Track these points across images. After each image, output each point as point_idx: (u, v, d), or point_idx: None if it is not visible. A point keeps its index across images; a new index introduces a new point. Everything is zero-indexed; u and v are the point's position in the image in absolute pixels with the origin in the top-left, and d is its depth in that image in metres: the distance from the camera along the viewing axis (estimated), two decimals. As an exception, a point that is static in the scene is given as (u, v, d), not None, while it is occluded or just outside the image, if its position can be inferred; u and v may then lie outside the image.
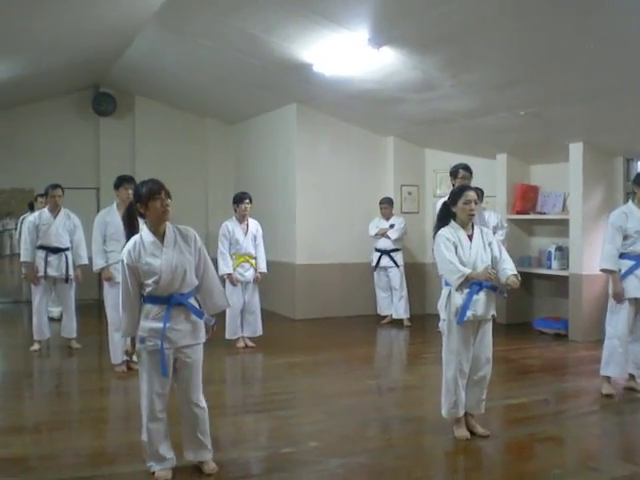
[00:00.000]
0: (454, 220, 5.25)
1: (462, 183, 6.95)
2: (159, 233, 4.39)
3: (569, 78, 7.34)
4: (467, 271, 5.07)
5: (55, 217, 8.59)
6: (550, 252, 9.89)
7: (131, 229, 4.47)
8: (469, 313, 5.08)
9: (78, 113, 13.08)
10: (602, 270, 6.47)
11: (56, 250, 8.56)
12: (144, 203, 4.33)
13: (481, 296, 5.11)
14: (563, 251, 9.75)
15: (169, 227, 4.43)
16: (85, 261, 8.67)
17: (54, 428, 5.55)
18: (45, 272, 8.52)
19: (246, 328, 8.86)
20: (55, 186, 8.61)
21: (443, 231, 5.22)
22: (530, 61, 7.17)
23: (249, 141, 13.07)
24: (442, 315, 5.28)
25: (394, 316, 10.71)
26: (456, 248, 5.14)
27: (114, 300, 6.54)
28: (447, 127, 10.10)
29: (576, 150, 9.20)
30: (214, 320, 4.58)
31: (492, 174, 10.49)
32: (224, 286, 8.35)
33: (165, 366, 4.33)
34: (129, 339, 4.53)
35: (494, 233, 7.17)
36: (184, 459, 4.55)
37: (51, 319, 9.51)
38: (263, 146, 12.44)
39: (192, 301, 4.47)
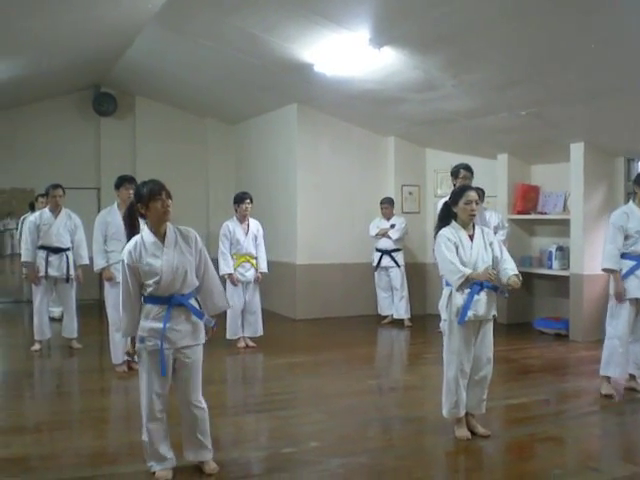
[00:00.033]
0: (455, 220, 5.25)
1: (463, 183, 6.94)
2: (160, 234, 4.39)
3: (570, 78, 7.33)
4: (467, 271, 5.07)
5: (56, 217, 8.59)
6: (551, 252, 9.89)
7: (132, 229, 4.47)
8: (470, 313, 5.08)
9: (79, 113, 13.09)
10: (604, 270, 6.47)
11: (57, 250, 8.56)
12: (145, 204, 4.33)
13: (482, 296, 5.11)
14: (564, 251, 9.75)
15: (170, 228, 4.43)
16: (86, 261, 8.67)
17: (55, 428, 5.55)
18: (46, 272, 8.52)
19: (247, 328, 8.87)
20: (56, 186, 8.61)
21: (444, 231, 5.22)
22: (531, 61, 7.17)
23: (250, 141, 13.07)
24: (443, 315, 5.28)
25: (395, 316, 10.71)
26: (457, 248, 5.14)
27: (115, 300, 6.54)
28: (448, 127, 10.10)
29: (577, 150, 9.20)
30: (214, 321, 4.58)
31: (493, 174, 10.49)
32: (225, 286, 8.36)
33: (164, 366, 4.33)
34: (129, 339, 4.53)
35: (495, 233, 7.16)
36: (184, 459, 4.55)
37: (52, 319, 9.52)
38: (264, 146, 12.44)
39: (193, 302, 4.47)
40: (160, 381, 4.36)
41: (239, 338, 8.83)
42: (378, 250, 10.69)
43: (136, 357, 4.56)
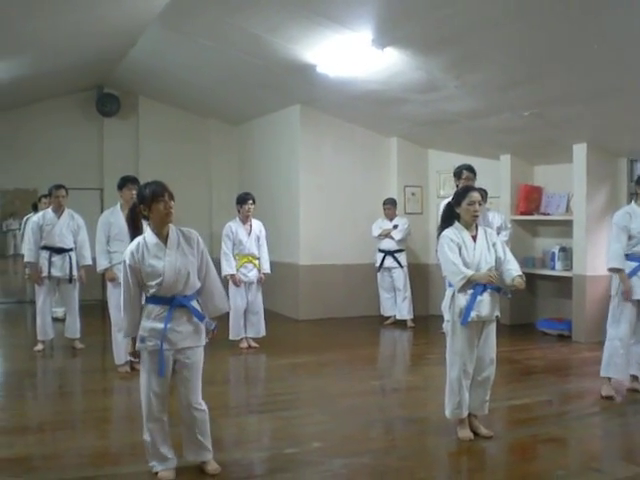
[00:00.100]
0: (458, 221, 5.25)
1: (466, 184, 6.95)
2: (162, 235, 4.40)
3: (572, 79, 7.33)
4: (469, 273, 5.06)
5: (59, 217, 8.60)
6: (554, 253, 9.88)
7: (135, 230, 4.48)
8: (473, 314, 5.08)
9: (82, 113, 13.10)
10: (610, 269, 6.42)
11: (60, 250, 8.57)
12: (147, 205, 4.33)
13: (485, 297, 5.11)
14: (567, 252, 9.74)
15: (172, 229, 4.44)
16: (89, 261, 8.67)
17: (57, 428, 5.55)
18: (49, 272, 8.54)
19: (249, 329, 8.87)
20: (59, 186, 8.62)
21: (447, 232, 5.22)
22: (533, 62, 7.17)
23: (253, 142, 13.08)
24: (446, 316, 5.27)
25: (397, 317, 10.70)
26: (460, 249, 5.14)
27: (117, 300, 6.52)
28: (451, 128, 10.10)
29: (580, 151, 9.19)
30: (214, 324, 4.57)
31: (496, 175, 10.48)
32: (227, 287, 8.36)
33: (163, 367, 4.33)
34: (130, 339, 4.54)
35: (498, 234, 7.16)
36: (187, 460, 4.55)
37: (55, 319, 9.54)
38: (267, 147, 12.44)
39: (194, 303, 4.47)
40: (159, 381, 4.37)
41: (242, 339, 8.83)
42: (381, 251, 10.68)
43: (135, 357, 4.58)
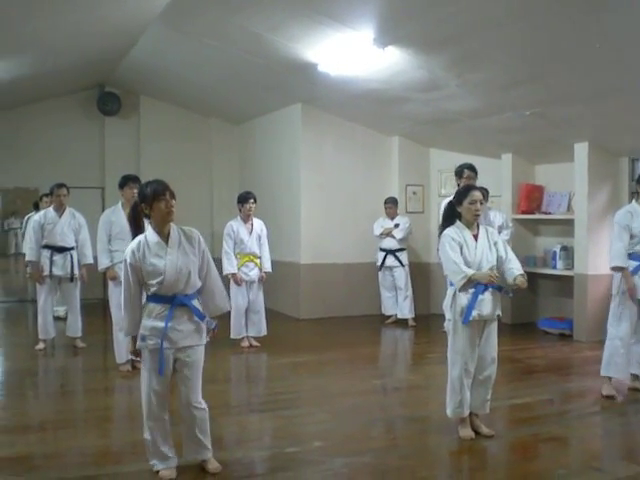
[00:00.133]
0: (459, 220, 5.25)
1: (467, 183, 6.95)
2: (164, 234, 4.40)
3: (574, 78, 7.33)
4: (470, 272, 5.06)
5: (60, 216, 8.61)
6: (555, 252, 9.87)
7: (137, 229, 4.48)
8: (474, 313, 5.08)
9: (83, 112, 13.10)
10: (613, 268, 6.39)
11: (61, 249, 8.58)
12: (149, 204, 4.33)
13: (486, 296, 5.11)
14: (568, 251, 9.73)
15: (173, 228, 4.44)
16: (90, 260, 8.67)
17: (59, 427, 5.56)
18: (50, 271, 8.54)
19: (250, 328, 8.87)
20: (60, 185, 8.63)
21: (448, 231, 5.22)
22: (535, 61, 7.16)
23: (254, 141, 13.07)
24: (447, 315, 5.27)
25: (399, 316, 10.71)
26: (461, 248, 5.14)
27: (119, 299, 6.49)
28: (452, 127, 10.09)
29: (581, 150, 9.19)
30: (215, 323, 4.57)
31: (497, 174, 10.48)
32: (228, 286, 8.37)
33: (163, 365, 4.33)
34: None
35: (499, 233, 7.16)
36: (188, 459, 4.56)
37: (57, 318, 9.56)
38: (268, 146, 12.44)
39: (195, 302, 4.47)
40: (159, 380, 4.37)
41: (243, 338, 8.83)
42: (382, 250, 10.68)
43: (135, 356, 4.58)
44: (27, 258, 8.77)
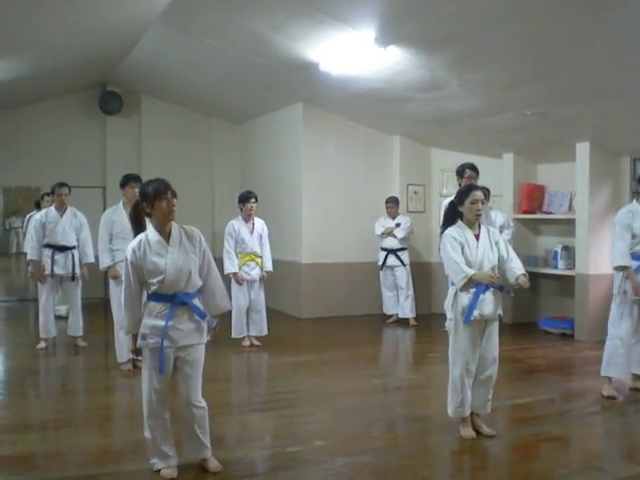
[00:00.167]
0: (461, 220, 5.25)
1: (468, 182, 6.94)
2: (165, 232, 4.40)
3: (576, 78, 7.32)
4: (470, 272, 5.06)
5: (62, 215, 8.61)
6: (556, 252, 9.87)
7: (138, 227, 4.48)
8: (476, 313, 5.08)
9: (85, 112, 13.10)
10: (616, 268, 6.34)
11: (63, 248, 8.57)
12: (150, 202, 4.34)
13: (488, 296, 5.11)
14: (569, 251, 9.73)
15: (175, 227, 4.44)
16: (91, 259, 8.68)
17: (60, 426, 5.56)
18: (52, 270, 8.54)
19: (252, 327, 8.87)
20: (61, 184, 8.63)
21: (450, 230, 5.22)
22: (536, 61, 7.16)
23: (255, 140, 13.07)
24: (449, 314, 5.27)
25: (400, 315, 10.71)
26: (463, 248, 5.14)
27: (120, 298, 6.51)
28: (453, 126, 10.09)
29: (583, 150, 9.19)
30: (216, 322, 4.58)
31: (498, 173, 10.48)
32: (230, 285, 8.37)
33: (163, 364, 4.33)
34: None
35: (500, 233, 7.16)
36: (188, 458, 4.55)
37: (59, 317, 9.55)
38: (269, 145, 12.44)
39: (196, 301, 4.47)
40: (160, 378, 4.37)
41: (244, 337, 8.83)
42: (383, 249, 10.68)
43: (136, 354, 4.59)
44: (28, 257, 8.78)
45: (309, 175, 11.21)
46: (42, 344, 8.54)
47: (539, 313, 10.49)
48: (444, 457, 5.08)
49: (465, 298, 5.11)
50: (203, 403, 4.51)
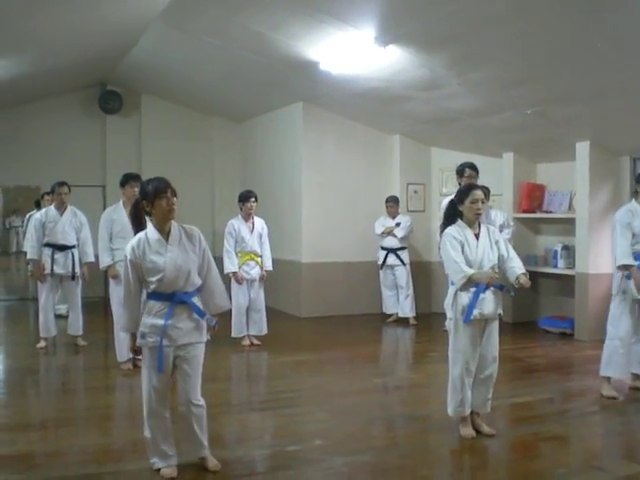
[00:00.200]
0: (461, 219, 5.25)
1: (468, 182, 6.94)
2: (164, 231, 4.40)
3: (575, 77, 7.32)
4: (470, 272, 5.06)
5: (61, 215, 8.61)
6: (556, 251, 9.87)
7: (139, 226, 4.47)
8: (476, 312, 5.07)
9: (85, 111, 13.10)
10: (621, 266, 6.28)
11: (62, 247, 8.57)
12: (150, 201, 4.34)
13: (488, 295, 5.11)
14: (569, 250, 9.73)
15: (174, 226, 4.44)
16: (91, 258, 8.68)
17: (60, 425, 5.57)
18: (52, 269, 8.54)
19: (252, 326, 8.87)
20: (61, 184, 8.63)
21: (450, 230, 5.22)
22: (536, 60, 7.16)
23: (255, 139, 13.08)
24: (449, 314, 5.27)
25: (400, 314, 10.70)
26: (463, 247, 5.14)
27: (120, 298, 6.55)
28: (453, 126, 10.09)
29: (583, 149, 9.19)
30: (215, 320, 4.57)
31: (498, 173, 10.47)
32: (229, 284, 8.37)
33: (162, 363, 4.33)
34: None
35: (500, 232, 7.16)
36: (187, 457, 4.55)
37: (59, 316, 9.56)
38: (269, 144, 12.44)
39: (195, 300, 4.47)
40: (159, 377, 4.37)
41: (244, 336, 8.83)
42: (383, 248, 10.68)
43: (135, 353, 4.59)
44: (28, 256, 8.79)
45: (309, 174, 11.21)
46: (42, 343, 8.54)
47: (539, 312, 10.49)
48: (444, 456, 5.08)
49: (465, 297, 5.11)
50: (202, 402, 4.50)
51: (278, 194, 11.79)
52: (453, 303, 5.21)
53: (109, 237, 7.52)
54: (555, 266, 9.89)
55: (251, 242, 8.75)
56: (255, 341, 8.85)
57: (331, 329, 10.29)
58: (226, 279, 7.56)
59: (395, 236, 10.53)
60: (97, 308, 11.37)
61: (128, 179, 7.42)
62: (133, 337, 4.47)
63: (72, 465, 4.67)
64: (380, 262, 10.73)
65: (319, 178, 11.25)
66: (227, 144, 13.73)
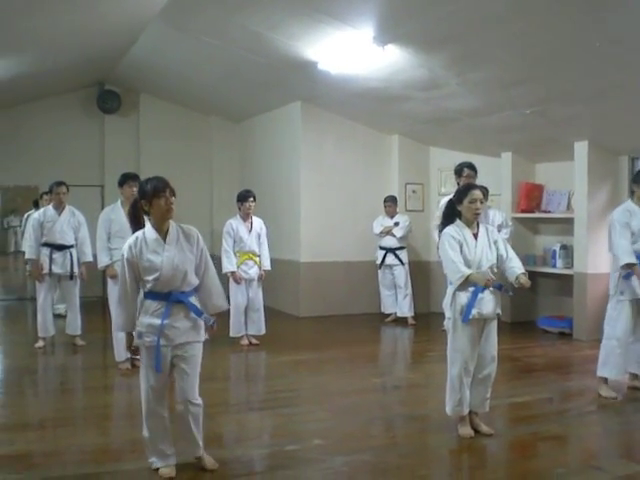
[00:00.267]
0: (459, 218, 5.25)
1: (467, 182, 6.95)
2: (162, 231, 4.40)
3: (574, 77, 7.33)
4: (467, 272, 5.06)
5: (60, 214, 8.60)
6: (555, 251, 9.88)
7: (137, 225, 4.47)
8: (474, 311, 5.07)
9: (83, 110, 13.10)
10: (625, 266, 6.24)
11: (61, 247, 8.57)
12: (148, 200, 4.34)
13: (486, 295, 5.11)
14: (568, 250, 9.74)
15: (172, 225, 4.44)
16: (90, 258, 8.66)
17: (58, 425, 5.56)
18: (50, 269, 8.54)
19: (250, 326, 8.86)
20: (60, 183, 8.63)
21: (448, 229, 5.22)
22: (535, 60, 7.16)
23: (254, 139, 13.07)
24: (447, 313, 5.27)
25: (398, 314, 10.70)
26: (461, 246, 5.14)
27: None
28: (452, 125, 10.09)
29: (581, 149, 9.19)
30: (213, 320, 4.56)
31: (497, 172, 10.48)
32: (227, 284, 8.37)
33: (159, 362, 4.32)
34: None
35: (499, 232, 7.16)
36: (184, 456, 4.54)
37: (58, 316, 9.56)
38: (268, 144, 12.44)
39: (192, 299, 4.46)
40: (156, 376, 4.36)
41: (242, 336, 8.83)
42: (382, 248, 10.68)
43: (133, 352, 4.58)
44: (27, 256, 8.77)
45: (308, 174, 11.21)
46: (40, 343, 8.53)
47: (538, 312, 10.50)
48: (443, 456, 5.08)
49: (464, 297, 5.11)
50: (199, 401, 4.50)
51: (277, 194, 11.78)
52: (452, 303, 5.20)
53: (107, 237, 7.52)
54: (553, 266, 9.89)
55: (249, 242, 8.75)
56: (254, 341, 8.85)
57: (330, 329, 10.29)
58: (224, 279, 7.56)
59: (394, 236, 10.53)
60: (95, 308, 11.36)
61: (126, 179, 7.41)
62: (130, 336, 4.47)
63: (70, 465, 4.67)
64: (379, 262, 10.73)
65: (318, 178, 11.25)
66: (226, 144, 13.73)
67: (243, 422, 5.81)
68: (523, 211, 10.35)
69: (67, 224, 8.62)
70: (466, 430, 5.22)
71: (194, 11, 7.97)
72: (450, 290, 5.24)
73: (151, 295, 4.38)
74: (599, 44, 6.33)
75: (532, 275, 9.45)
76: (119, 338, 7.21)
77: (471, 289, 5.09)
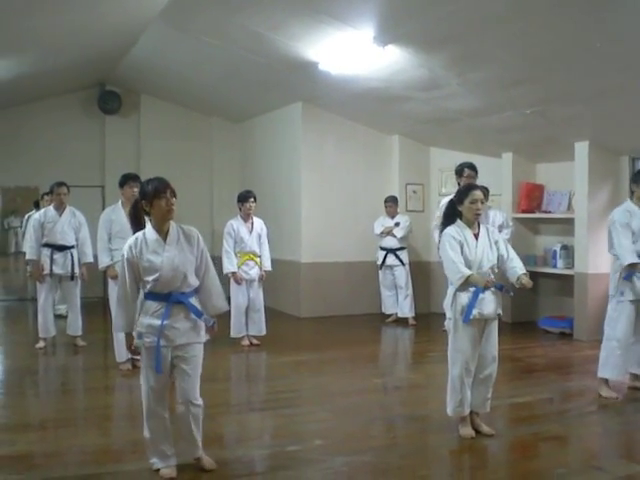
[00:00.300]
0: (460, 219, 5.24)
1: (467, 182, 6.95)
2: (163, 231, 4.40)
3: (575, 77, 7.33)
4: (467, 273, 5.06)
5: (60, 215, 8.60)
6: (555, 251, 9.87)
7: (138, 226, 4.47)
8: (475, 312, 5.07)
9: (84, 111, 13.10)
10: (629, 265, 6.22)
11: (62, 248, 8.57)
12: (149, 201, 4.34)
13: (487, 295, 5.11)
14: (568, 250, 9.73)
15: (173, 226, 4.44)
16: (90, 259, 8.67)
17: (59, 425, 5.56)
18: (51, 270, 8.54)
19: (251, 327, 8.86)
20: (60, 184, 8.63)
21: (449, 230, 5.22)
22: (536, 60, 7.16)
23: (254, 139, 13.07)
24: (448, 314, 5.27)
25: (399, 314, 10.70)
26: (462, 247, 5.14)
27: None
28: (453, 126, 10.09)
29: (582, 149, 9.19)
30: (213, 320, 4.55)
31: (497, 173, 10.47)
32: (228, 284, 8.37)
33: (159, 363, 4.32)
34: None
35: (499, 232, 7.16)
36: (184, 457, 4.54)
37: (59, 316, 9.57)
38: (268, 144, 12.44)
39: (193, 300, 4.46)
40: (156, 377, 4.36)
41: (243, 336, 8.83)
42: (383, 249, 10.68)
43: (133, 353, 4.58)
44: (27, 257, 8.77)
45: (308, 174, 11.21)
46: (41, 343, 8.54)
47: (538, 312, 10.49)
48: (443, 456, 5.08)
49: (464, 297, 5.11)
50: (200, 401, 4.50)
51: (277, 194, 11.79)
52: (452, 303, 5.20)
53: (108, 237, 7.51)
54: (554, 266, 9.89)
55: (250, 242, 8.75)
56: (254, 341, 8.85)
57: (330, 329, 10.29)
58: (225, 279, 7.57)
59: (394, 236, 10.53)
60: (96, 308, 11.36)
61: (127, 179, 7.41)
62: (130, 336, 4.47)
63: (71, 465, 4.67)
64: (379, 262, 10.73)
65: (318, 178, 11.25)
66: (226, 144, 13.72)
67: (244, 422, 5.81)
68: (524, 211, 10.34)
69: (68, 225, 8.62)
70: (467, 430, 5.22)
71: (194, 11, 7.97)
72: (451, 290, 5.24)
73: (151, 296, 4.38)
74: (599, 44, 6.33)
75: (533, 275, 9.40)
76: (120, 339, 7.19)
77: (472, 289, 5.09)
